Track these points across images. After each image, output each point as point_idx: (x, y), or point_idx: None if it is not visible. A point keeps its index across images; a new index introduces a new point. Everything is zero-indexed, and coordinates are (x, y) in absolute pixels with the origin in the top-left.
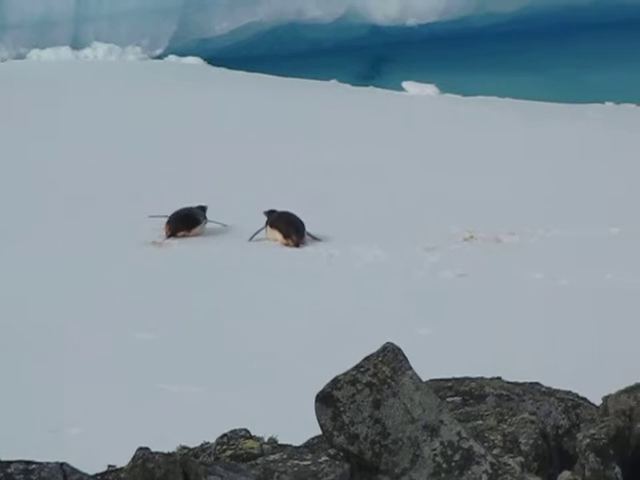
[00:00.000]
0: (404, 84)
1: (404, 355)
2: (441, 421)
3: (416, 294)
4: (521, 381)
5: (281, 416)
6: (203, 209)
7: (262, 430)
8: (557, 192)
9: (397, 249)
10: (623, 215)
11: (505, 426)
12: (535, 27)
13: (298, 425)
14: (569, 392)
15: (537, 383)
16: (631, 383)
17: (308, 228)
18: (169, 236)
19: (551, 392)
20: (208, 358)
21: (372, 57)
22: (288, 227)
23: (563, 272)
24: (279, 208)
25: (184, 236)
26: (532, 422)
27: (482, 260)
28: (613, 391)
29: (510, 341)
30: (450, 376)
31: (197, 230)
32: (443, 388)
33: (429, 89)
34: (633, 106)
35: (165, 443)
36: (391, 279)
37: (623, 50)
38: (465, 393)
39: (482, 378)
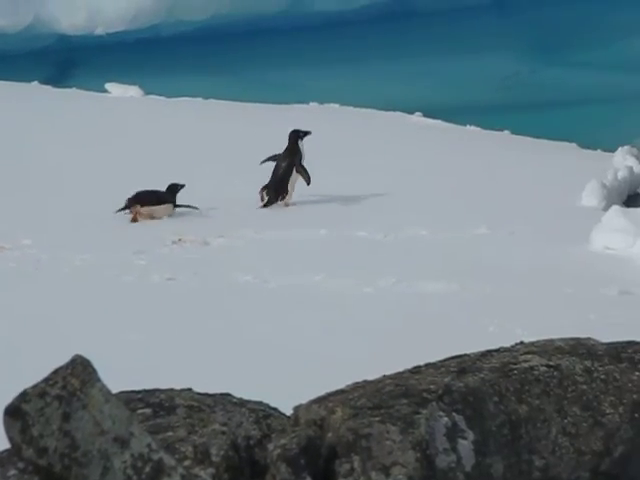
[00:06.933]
0: (107, 85)
1: (93, 367)
2: (131, 433)
3: (125, 299)
4: (212, 392)
5: None
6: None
7: None
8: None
9: (105, 253)
10: (331, 218)
11: (196, 437)
12: (225, 33)
13: None
14: (260, 402)
15: (228, 394)
16: (322, 392)
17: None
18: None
19: (242, 403)
20: None
21: (63, 63)
22: None
23: (272, 274)
24: None
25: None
26: (223, 433)
27: (190, 263)
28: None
29: (215, 346)
30: (147, 383)
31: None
32: (133, 400)
33: (132, 90)
34: (337, 106)
35: None
36: (99, 283)
37: (316, 51)
38: (155, 405)
39: (172, 389)
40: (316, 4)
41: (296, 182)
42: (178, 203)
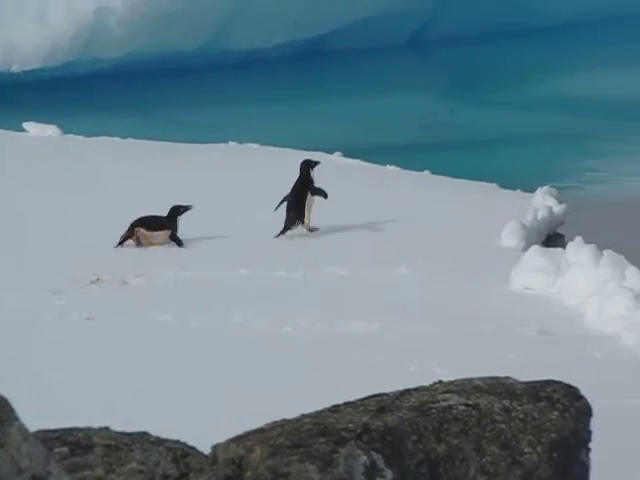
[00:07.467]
0: (25, 125)
1: (11, 406)
2: (49, 472)
3: (43, 338)
4: (129, 431)
5: None
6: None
7: None
8: (204, 233)
9: (23, 292)
10: (250, 257)
11: (114, 476)
12: (143, 71)
13: None
14: (178, 441)
15: (146, 433)
16: (240, 431)
17: None
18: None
19: (160, 441)
20: None
21: None
22: None
23: (192, 313)
24: None
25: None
26: (141, 472)
27: (109, 303)
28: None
29: (133, 386)
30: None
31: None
32: (51, 439)
33: (51, 130)
34: (256, 146)
35: None
36: (17, 323)
37: (234, 90)
38: (73, 443)
39: (89, 428)
40: (232, 42)
41: (312, 206)
42: (176, 232)
